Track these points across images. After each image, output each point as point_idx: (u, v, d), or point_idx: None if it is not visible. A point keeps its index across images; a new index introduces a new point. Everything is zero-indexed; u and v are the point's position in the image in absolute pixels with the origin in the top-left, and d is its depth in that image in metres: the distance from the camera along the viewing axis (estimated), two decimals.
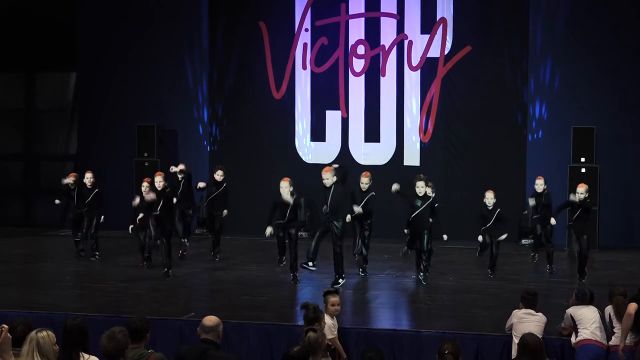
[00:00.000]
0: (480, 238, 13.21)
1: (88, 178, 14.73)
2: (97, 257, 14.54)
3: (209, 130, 18.45)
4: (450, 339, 7.66)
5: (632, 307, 8.60)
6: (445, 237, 13.18)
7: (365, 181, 13.30)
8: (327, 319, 8.69)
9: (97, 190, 14.71)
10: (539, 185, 13.90)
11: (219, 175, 14.76)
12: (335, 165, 13.57)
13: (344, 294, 11.54)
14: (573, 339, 8.90)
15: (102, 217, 14.66)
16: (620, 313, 8.73)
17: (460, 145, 17.38)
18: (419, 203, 12.79)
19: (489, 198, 13.24)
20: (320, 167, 13.87)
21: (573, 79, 16.73)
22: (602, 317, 8.94)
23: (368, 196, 13.26)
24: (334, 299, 8.98)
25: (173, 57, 18.31)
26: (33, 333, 5.60)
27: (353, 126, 17.80)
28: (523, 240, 16.53)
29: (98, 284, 12.60)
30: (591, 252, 15.60)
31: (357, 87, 17.79)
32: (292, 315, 10.72)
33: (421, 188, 12.84)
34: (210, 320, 6.68)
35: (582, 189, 12.93)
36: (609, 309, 8.91)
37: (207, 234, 16.06)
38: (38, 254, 16.08)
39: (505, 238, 13.24)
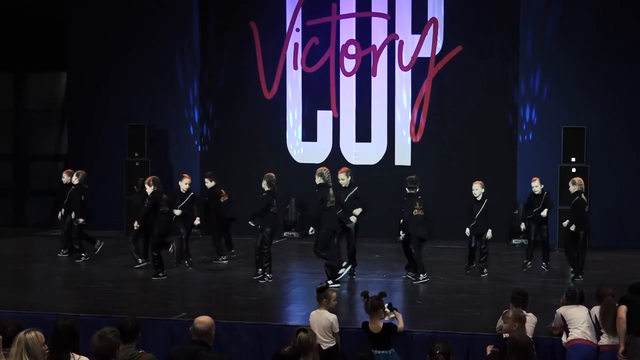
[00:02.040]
0: (467, 231, 13.26)
1: (64, 177, 14.92)
2: (82, 257, 14.52)
3: (200, 130, 18.44)
4: (441, 338, 7.65)
5: (622, 310, 8.57)
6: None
7: (341, 177, 12.68)
8: (330, 315, 8.80)
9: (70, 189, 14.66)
10: (535, 186, 13.71)
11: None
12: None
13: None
14: (564, 339, 8.89)
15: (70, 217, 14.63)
16: (609, 314, 8.68)
17: (451, 145, 17.41)
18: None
19: (476, 189, 13.29)
20: (311, 166, 13.88)
21: (563, 78, 16.78)
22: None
23: (352, 191, 12.69)
24: (334, 293, 9.08)
25: (164, 57, 18.29)
26: (22, 334, 5.58)
27: (344, 126, 17.81)
28: (514, 240, 16.57)
29: (88, 285, 12.58)
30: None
31: (348, 87, 17.80)
32: (282, 315, 10.71)
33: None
34: (202, 322, 6.65)
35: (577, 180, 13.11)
36: (595, 310, 8.89)
37: (200, 234, 16.11)
38: (28, 254, 16.03)
39: (492, 237, 13.31)
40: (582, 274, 12.85)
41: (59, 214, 14.82)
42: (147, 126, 17.76)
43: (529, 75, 16.95)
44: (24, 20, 19.21)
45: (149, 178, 13.30)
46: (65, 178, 14.91)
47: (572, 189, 13.02)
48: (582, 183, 13.20)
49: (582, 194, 13.02)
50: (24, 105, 20.16)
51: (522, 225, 14.56)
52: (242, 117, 18.16)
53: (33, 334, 5.58)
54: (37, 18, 19.19)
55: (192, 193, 14.13)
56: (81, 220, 14.38)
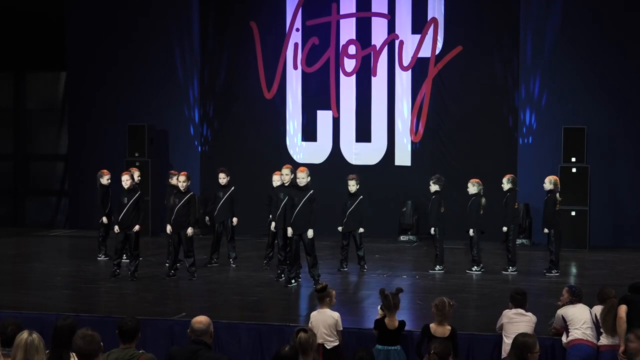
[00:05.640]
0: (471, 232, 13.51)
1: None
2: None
3: (200, 130, 18.44)
4: (440, 338, 7.66)
5: (623, 309, 8.57)
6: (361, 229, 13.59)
7: (301, 176, 11.92)
8: (334, 312, 8.86)
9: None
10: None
11: (222, 179, 14.08)
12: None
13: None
14: (564, 339, 8.89)
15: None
16: (610, 315, 8.66)
17: (451, 145, 17.41)
18: (348, 203, 13.56)
19: (468, 187, 13.60)
20: (311, 167, 13.87)
21: (564, 78, 16.76)
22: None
23: (307, 194, 11.92)
24: (333, 291, 9.14)
25: (164, 57, 18.29)
26: (25, 336, 5.51)
27: (344, 126, 17.81)
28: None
29: (88, 284, 12.58)
30: (581, 251, 15.72)
31: (348, 87, 17.80)
32: (282, 315, 10.71)
33: (352, 187, 13.49)
34: (200, 321, 6.65)
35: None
36: (596, 310, 8.88)
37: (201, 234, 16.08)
38: (28, 254, 16.03)
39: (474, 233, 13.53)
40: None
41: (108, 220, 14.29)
42: (147, 126, 17.77)
43: (529, 74, 16.93)
44: (23, 20, 19.21)
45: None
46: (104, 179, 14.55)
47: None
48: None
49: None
50: (24, 105, 20.15)
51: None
52: (242, 117, 18.16)
53: (36, 335, 5.55)
54: (36, 17, 19.18)
55: (191, 192, 13.00)
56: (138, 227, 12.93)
